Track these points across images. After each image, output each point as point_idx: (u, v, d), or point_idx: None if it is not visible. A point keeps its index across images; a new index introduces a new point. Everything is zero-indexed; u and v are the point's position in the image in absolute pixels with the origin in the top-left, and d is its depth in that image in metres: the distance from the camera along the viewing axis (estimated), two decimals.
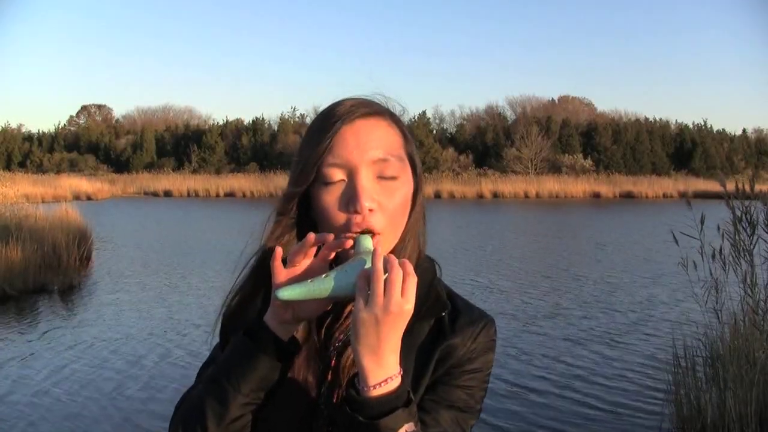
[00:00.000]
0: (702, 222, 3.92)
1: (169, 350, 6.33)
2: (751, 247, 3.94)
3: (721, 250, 4.01)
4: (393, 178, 0.93)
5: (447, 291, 1.01)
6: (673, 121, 54.59)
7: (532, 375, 5.58)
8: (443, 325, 0.96)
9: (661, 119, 53.71)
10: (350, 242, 0.86)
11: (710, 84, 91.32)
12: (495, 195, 38.04)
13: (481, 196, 37.88)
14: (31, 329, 7.16)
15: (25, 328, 7.19)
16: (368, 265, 0.82)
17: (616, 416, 4.67)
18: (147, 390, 5.21)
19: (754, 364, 3.70)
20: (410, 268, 0.81)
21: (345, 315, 0.97)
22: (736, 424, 3.66)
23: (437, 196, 36.65)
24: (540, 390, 5.20)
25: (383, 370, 0.80)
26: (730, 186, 4.05)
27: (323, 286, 0.83)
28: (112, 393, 5.12)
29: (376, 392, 0.80)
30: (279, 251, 0.87)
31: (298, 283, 0.84)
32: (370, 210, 0.90)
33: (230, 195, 39.08)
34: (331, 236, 0.86)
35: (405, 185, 0.95)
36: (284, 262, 0.88)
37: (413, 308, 0.80)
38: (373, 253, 0.81)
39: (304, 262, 0.87)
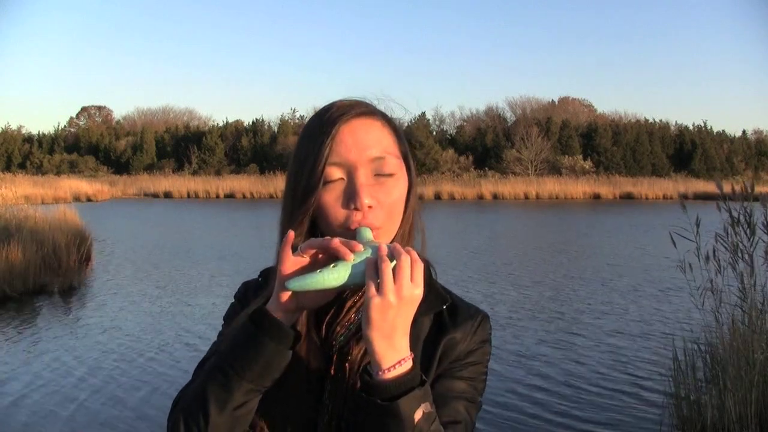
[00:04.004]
0: (698, 225, 3.92)
1: (169, 351, 6.33)
2: (752, 249, 3.94)
3: (714, 252, 4.01)
4: (390, 175, 0.95)
5: (443, 288, 1.03)
6: (673, 123, 54.75)
7: (531, 375, 5.58)
8: (443, 319, 0.98)
9: (661, 120, 53.84)
10: (360, 247, 0.86)
11: (710, 85, 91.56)
12: (495, 196, 38.07)
13: (481, 198, 37.91)
14: (31, 330, 7.16)
15: (25, 329, 7.19)
16: (373, 254, 0.83)
17: (616, 417, 4.67)
18: (147, 391, 5.21)
19: (754, 365, 3.70)
20: (416, 255, 0.83)
21: (346, 310, 0.98)
22: (736, 425, 3.66)
23: (437, 197, 36.68)
24: (539, 390, 5.20)
25: (396, 353, 0.82)
26: (728, 188, 4.05)
27: (333, 276, 0.84)
28: (111, 394, 5.12)
29: (390, 375, 0.82)
30: (291, 236, 0.88)
31: (307, 274, 0.85)
32: (370, 207, 0.92)
33: (230, 196, 39.09)
34: (359, 247, 0.85)
35: (401, 182, 0.97)
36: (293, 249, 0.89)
37: (422, 293, 0.82)
38: (380, 242, 0.83)
39: (310, 251, 0.88)
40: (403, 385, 0.82)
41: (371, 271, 0.82)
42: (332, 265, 0.85)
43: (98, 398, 5.03)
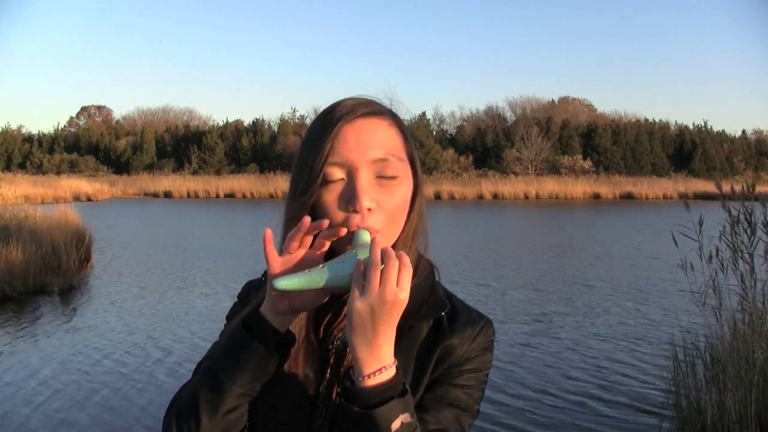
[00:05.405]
0: (701, 224, 3.91)
1: (168, 351, 6.32)
2: (752, 249, 3.93)
3: (717, 251, 4.01)
4: (393, 177, 0.93)
5: (445, 293, 1.02)
6: (673, 122, 54.78)
7: (532, 377, 5.57)
8: (442, 325, 0.97)
9: (661, 120, 53.84)
10: (344, 230, 0.87)
11: (710, 85, 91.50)
12: (495, 196, 38.06)
13: (480, 197, 37.90)
14: (31, 330, 7.15)
15: (25, 329, 7.18)
16: (365, 256, 0.82)
17: (617, 417, 4.67)
18: (146, 391, 5.20)
19: (754, 365, 3.69)
20: (407, 259, 0.81)
21: (343, 314, 0.97)
22: (736, 425, 3.65)
23: (437, 197, 36.68)
24: (539, 391, 5.20)
25: (377, 360, 0.80)
26: (728, 187, 4.04)
27: (321, 276, 0.83)
28: (111, 394, 5.12)
29: (370, 382, 0.80)
30: (269, 234, 0.87)
31: (295, 273, 0.84)
32: (369, 210, 0.90)
33: (230, 196, 39.07)
34: (326, 222, 0.87)
35: (404, 185, 0.95)
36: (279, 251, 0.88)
37: (408, 299, 0.80)
38: (372, 244, 0.81)
39: (300, 252, 0.87)
40: (383, 394, 0.80)
41: (358, 273, 0.81)
42: (321, 265, 0.84)
43: (96, 400, 5.03)
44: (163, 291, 9.48)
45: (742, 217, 3.95)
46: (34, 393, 5.11)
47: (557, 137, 48.34)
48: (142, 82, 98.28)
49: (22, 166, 50.59)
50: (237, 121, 55.06)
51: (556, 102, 57.42)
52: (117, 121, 63.99)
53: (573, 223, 22.49)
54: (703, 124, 53.53)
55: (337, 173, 0.91)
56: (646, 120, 53.86)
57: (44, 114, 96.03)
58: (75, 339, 6.79)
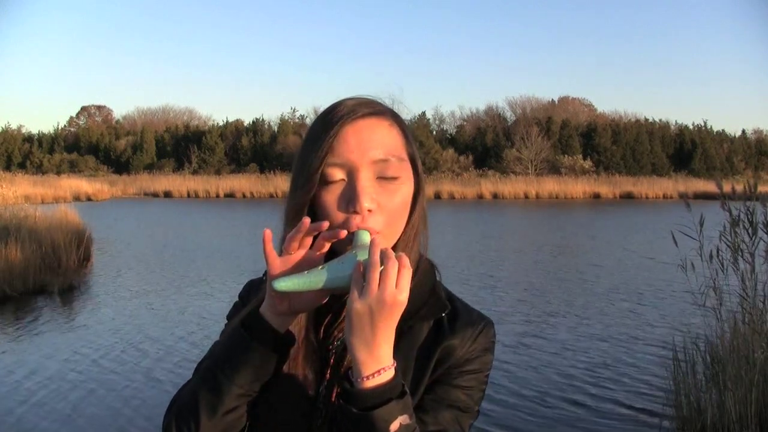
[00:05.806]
0: (701, 224, 3.91)
1: (168, 351, 6.31)
2: (753, 248, 3.93)
3: (718, 251, 4.01)
4: (393, 178, 0.92)
5: (446, 293, 1.01)
6: (673, 122, 54.80)
7: (532, 377, 5.57)
8: (442, 326, 0.96)
9: (661, 120, 53.89)
10: (344, 233, 0.86)
11: (710, 85, 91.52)
12: (495, 196, 38.07)
13: (480, 197, 37.90)
14: (31, 330, 7.15)
15: (25, 329, 7.18)
16: (364, 257, 0.82)
17: (616, 417, 4.67)
18: (145, 392, 5.20)
19: (754, 365, 3.69)
20: (406, 261, 0.80)
21: (343, 315, 0.96)
22: (736, 425, 3.65)
23: (437, 196, 36.69)
24: (539, 391, 5.20)
25: (376, 361, 0.80)
26: (728, 187, 4.04)
27: (320, 277, 0.83)
28: (109, 395, 5.12)
29: (369, 383, 0.80)
30: (269, 234, 0.87)
31: (295, 275, 0.84)
32: (369, 211, 0.90)
33: (230, 196, 39.08)
34: (326, 224, 0.86)
35: (405, 186, 0.94)
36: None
37: (407, 300, 0.80)
38: (371, 245, 0.81)
39: (299, 252, 0.87)
40: (381, 396, 0.79)
41: (357, 274, 0.80)
42: (320, 266, 0.84)
43: (94, 400, 5.02)
44: (163, 291, 9.47)
45: (743, 216, 3.94)
46: (31, 392, 5.10)
47: (557, 137, 48.36)
48: (142, 82, 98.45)
49: (22, 166, 50.57)
50: (237, 121, 55.11)
51: (556, 102, 57.45)
52: (117, 121, 64.01)
53: (573, 223, 22.47)
54: (703, 124, 53.65)
55: (338, 174, 0.91)
56: (646, 120, 53.92)
57: (44, 114, 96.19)
58: (74, 339, 6.79)
